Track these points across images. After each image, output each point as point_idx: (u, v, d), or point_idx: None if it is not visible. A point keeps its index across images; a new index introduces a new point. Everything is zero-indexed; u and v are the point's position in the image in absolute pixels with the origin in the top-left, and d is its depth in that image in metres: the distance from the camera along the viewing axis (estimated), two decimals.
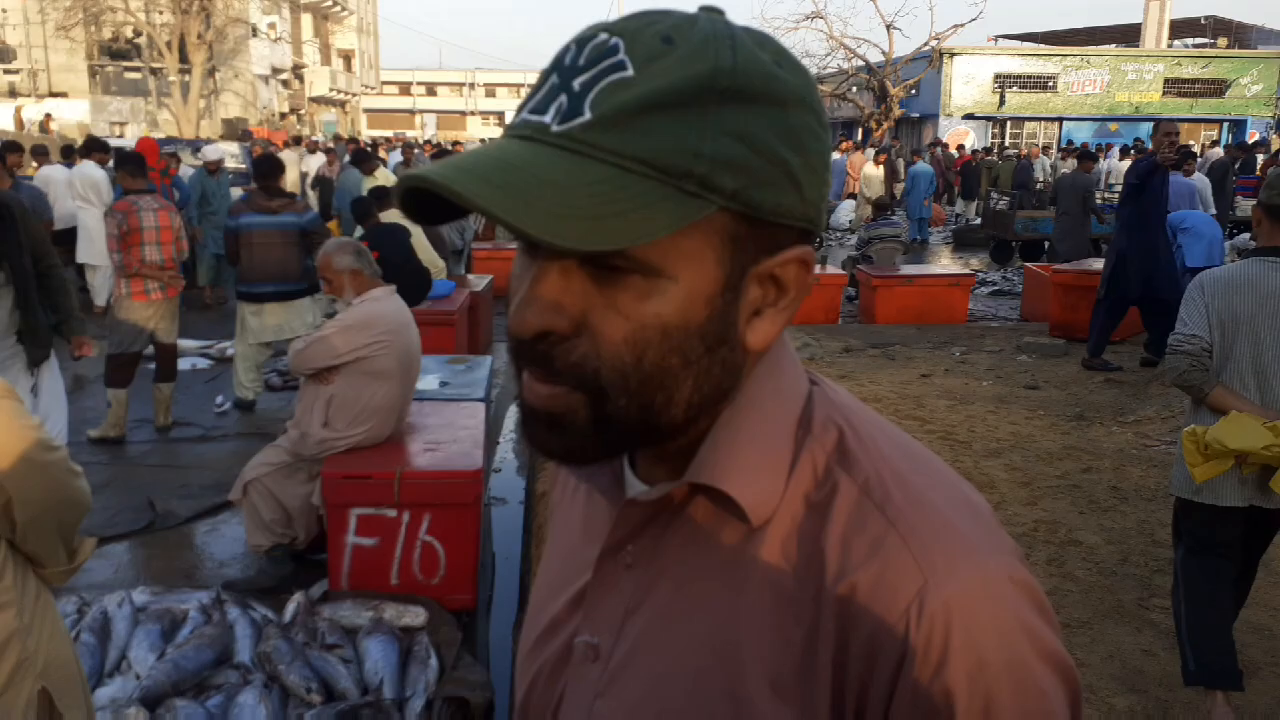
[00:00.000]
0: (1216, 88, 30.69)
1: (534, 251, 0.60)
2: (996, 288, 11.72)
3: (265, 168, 5.89)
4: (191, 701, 2.79)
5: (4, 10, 33.40)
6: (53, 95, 32.11)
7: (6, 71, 33.95)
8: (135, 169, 5.73)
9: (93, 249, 8.36)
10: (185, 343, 7.43)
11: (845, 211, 17.45)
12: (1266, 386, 2.68)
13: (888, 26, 25.38)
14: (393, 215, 6.72)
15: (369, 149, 13.15)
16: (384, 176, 9.86)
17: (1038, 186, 15.75)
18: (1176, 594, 2.90)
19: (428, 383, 4.78)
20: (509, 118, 0.62)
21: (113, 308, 5.47)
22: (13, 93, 32.72)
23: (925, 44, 27.35)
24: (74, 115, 29.25)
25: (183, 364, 6.88)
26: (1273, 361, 2.66)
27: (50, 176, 9.17)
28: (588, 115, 0.55)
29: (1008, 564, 0.61)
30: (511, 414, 6.65)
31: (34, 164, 10.27)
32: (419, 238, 6.75)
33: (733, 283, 0.60)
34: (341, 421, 3.77)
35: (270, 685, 2.93)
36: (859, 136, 26.88)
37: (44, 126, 18.27)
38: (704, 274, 0.59)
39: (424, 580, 3.68)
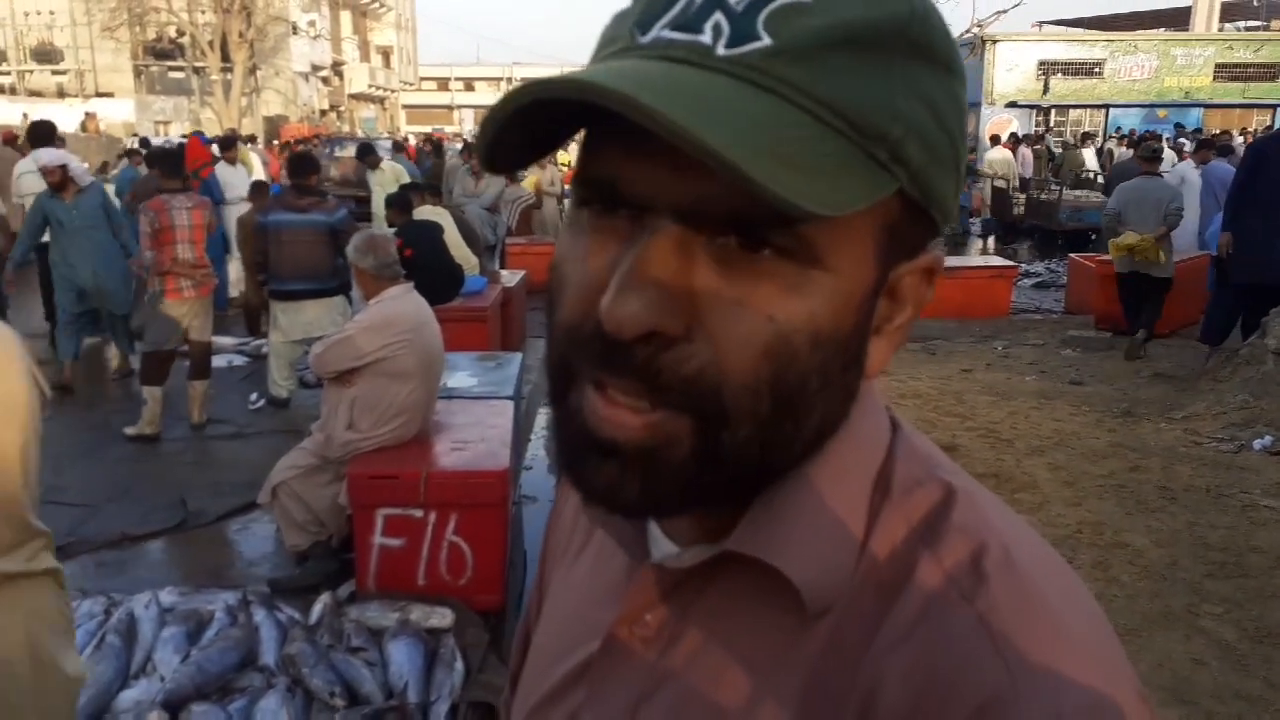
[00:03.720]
0: (1270, 72, 29.74)
1: (637, 217, 0.45)
2: (1040, 279, 11.46)
3: (298, 166, 5.89)
4: (214, 705, 2.77)
5: (51, 12, 34.09)
6: (99, 95, 32.70)
7: (55, 73, 34.66)
8: (169, 167, 5.77)
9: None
10: (221, 340, 7.49)
11: None
12: (1137, 228, 6.98)
13: None
14: (425, 211, 6.71)
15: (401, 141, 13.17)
16: (392, 170, 9.90)
17: (1085, 175, 15.36)
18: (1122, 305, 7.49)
19: (458, 380, 4.74)
20: None
21: (145, 306, 5.51)
22: (61, 93, 33.40)
23: (967, 31, 26.86)
24: (120, 115, 29.77)
25: (218, 361, 6.92)
26: (1138, 220, 6.97)
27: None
28: (766, 40, 0.42)
29: (1136, 692, 0.47)
30: (544, 411, 6.60)
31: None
32: (451, 234, 6.72)
33: (878, 286, 0.48)
34: (366, 423, 3.74)
35: (294, 689, 2.90)
36: None
37: (85, 126, 18.55)
38: (861, 270, 0.46)
39: (451, 581, 3.64)
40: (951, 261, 9.92)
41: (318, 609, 3.39)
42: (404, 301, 3.83)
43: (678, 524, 0.56)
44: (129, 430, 5.45)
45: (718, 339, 0.44)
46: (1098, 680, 0.46)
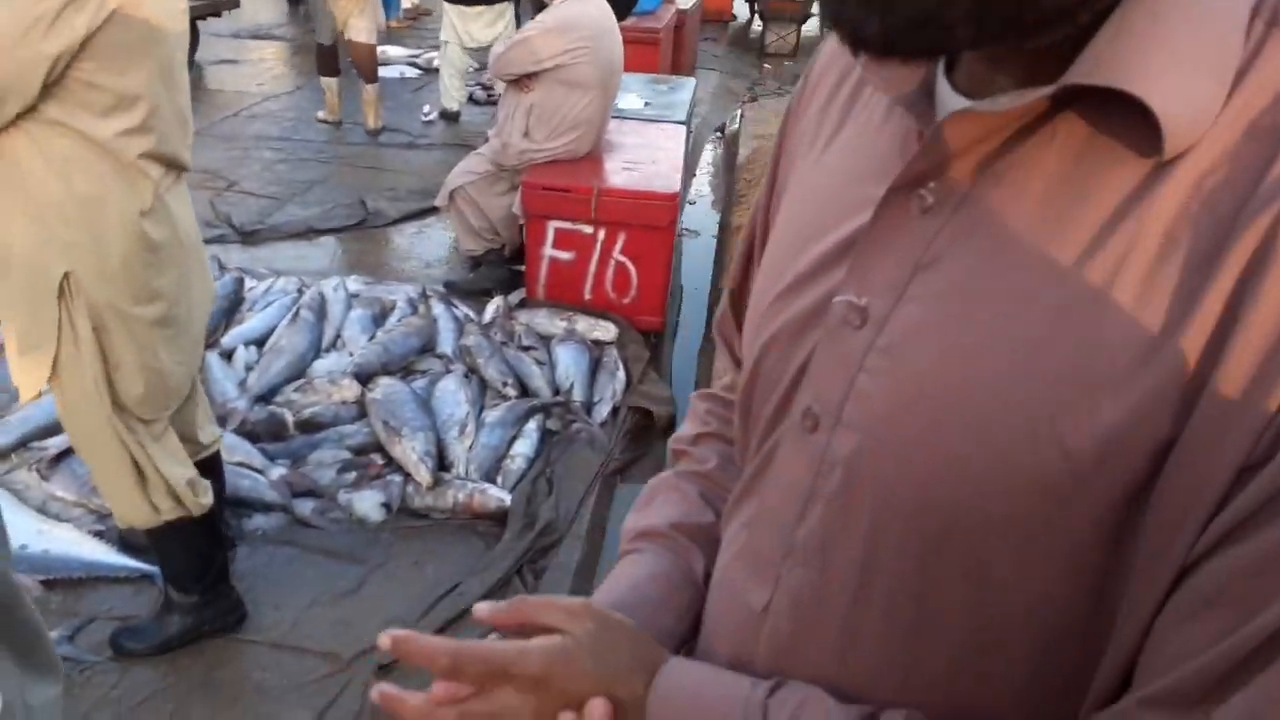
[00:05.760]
0: None
1: None
2: None
3: None
4: (398, 380, 2.97)
5: None
6: None
7: None
8: None
9: None
10: (393, 50, 7.49)
11: None
12: None
13: None
14: None
15: None
16: None
17: None
18: None
19: (629, 101, 4.60)
20: None
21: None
22: None
23: None
24: None
25: (391, 72, 6.96)
26: None
27: None
28: None
29: None
30: (709, 146, 6.42)
31: None
32: None
33: None
34: (541, 133, 3.69)
35: (469, 376, 3.07)
36: None
37: None
38: None
39: (616, 299, 3.70)
40: None
41: (490, 310, 3.53)
42: (588, 5, 3.64)
43: (982, 78, 0.51)
44: (320, 114, 5.87)
45: None
46: None
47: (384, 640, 0.56)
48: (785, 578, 0.59)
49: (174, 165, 1.78)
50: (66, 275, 1.68)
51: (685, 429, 0.83)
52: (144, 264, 1.74)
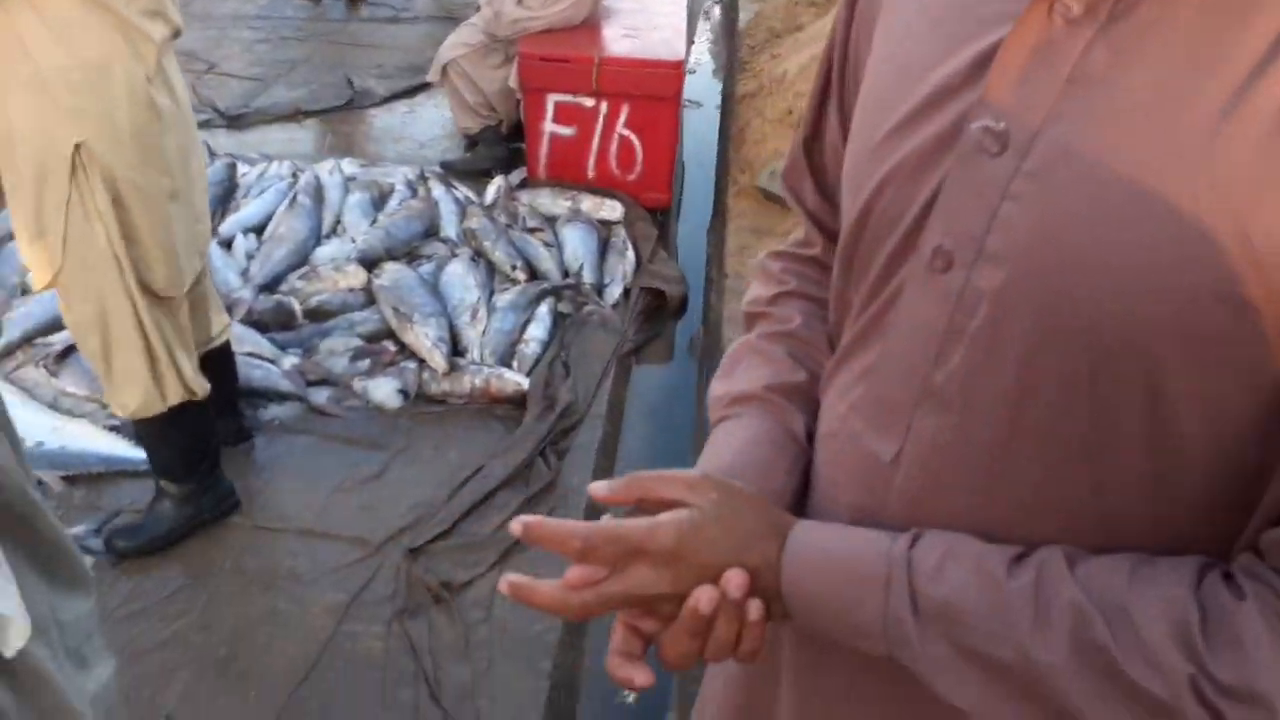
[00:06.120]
0: None
1: None
2: None
3: None
4: (404, 265, 2.90)
5: None
6: None
7: None
8: None
9: None
10: None
11: None
12: None
13: None
14: None
15: None
16: None
17: None
18: None
19: None
20: None
21: None
22: None
23: None
24: None
25: None
26: None
27: None
28: None
29: None
30: (705, 11, 6.15)
31: None
32: None
33: None
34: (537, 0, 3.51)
35: (476, 259, 3.00)
36: None
37: None
38: None
39: (620, 175, 3.59)
40: None
41: (491, 191, 3.42)
42: None
43: None
44: None
45: None
46: None
47: (515, 528, 0.55)
48: (918, 425, 0.56)
49: (171, 26, 1.70)
50: (78, 147, 1.60)
51: (758, 290, 0.78)
52: (153, 132, 1.68)
